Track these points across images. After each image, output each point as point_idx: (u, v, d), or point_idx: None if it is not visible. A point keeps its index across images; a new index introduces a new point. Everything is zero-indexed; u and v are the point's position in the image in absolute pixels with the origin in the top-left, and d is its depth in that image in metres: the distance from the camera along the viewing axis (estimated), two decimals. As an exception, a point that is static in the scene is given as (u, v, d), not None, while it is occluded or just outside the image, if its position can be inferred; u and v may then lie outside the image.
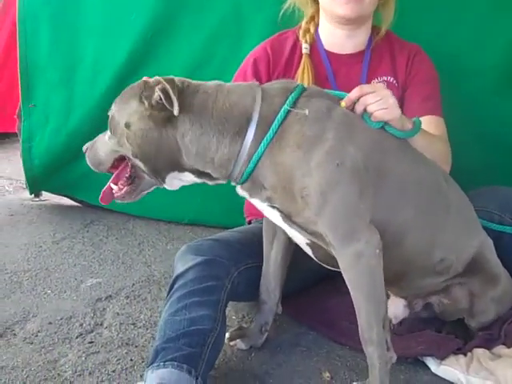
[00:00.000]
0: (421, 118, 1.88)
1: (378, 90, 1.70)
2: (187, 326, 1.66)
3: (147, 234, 3.02)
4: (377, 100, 1.66)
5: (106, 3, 2.79)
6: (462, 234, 1.82)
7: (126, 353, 1.91)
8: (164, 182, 1.68)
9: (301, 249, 1.89)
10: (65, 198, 3.43)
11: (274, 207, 1.63)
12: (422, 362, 1.86)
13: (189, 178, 1.69)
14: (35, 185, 3.30)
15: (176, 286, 1.81)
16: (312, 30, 2.23)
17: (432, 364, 1.83)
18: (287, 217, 1.63)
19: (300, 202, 1.56)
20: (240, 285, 1.91)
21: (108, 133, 1.68)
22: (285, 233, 1.85)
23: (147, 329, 2.06)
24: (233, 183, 1.67)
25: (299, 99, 1.61)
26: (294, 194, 1.56)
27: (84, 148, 1.76)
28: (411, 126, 1.76)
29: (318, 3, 2.19)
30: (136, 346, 1.95)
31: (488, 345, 1.87)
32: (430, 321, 1.98)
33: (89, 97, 2.91)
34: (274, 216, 1.68)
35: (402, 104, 2.17)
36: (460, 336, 1.91)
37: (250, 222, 2.42)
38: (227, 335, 1.91)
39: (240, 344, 1.94)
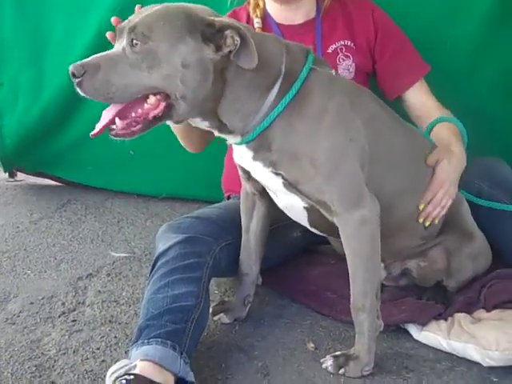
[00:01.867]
0: (414, 87, 2.13)
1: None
2: (170, 303, 1.66)
3: (126, 211, 3.00)
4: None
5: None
6: None
7: (110, 330, 1.91)
8: (181, 123, 1.60)
9: (282, 221, 1.91)
10: (40, 178, 3.39)
11: (277, 174, 1.61)
12: (404, 329, 1.88)
13: (204, 125, 1.60)
14: (8, 164, 3.26)
15: (158, 265, 1.80)
16: (261, 4, 2.21)
17: (414, 331, 1.85)
18: (292, 185, 1.62)
19: (309, 169, 1.56)
20: (222, 260, 1.91)
21: (134, 61, 1.43)
22: (264, 204, 1.87)
23: (130, 306, 2.05)
24: (237, 141, 1.62)
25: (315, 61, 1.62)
26: (301, 162, 1.56)
27: (74, 69, 1.40)
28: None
29: None
30: (119, 323, 1.94)
31: (468, 309, 1.89)
32: (410, 289, 2.01)
33: (59, 74, 2.82)
34: (273, 182, 1.66)
35: (366, 69, 2.21)
36: (440, 302, 1.93)
37: (228, 198, 2.42)
38: (210, 310, 1.91)
39: (223, 318, 1.94)
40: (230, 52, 1.45)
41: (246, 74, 1.50)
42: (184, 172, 2.93)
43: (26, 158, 3.18)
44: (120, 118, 1.48)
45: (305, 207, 1.71)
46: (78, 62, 1.42)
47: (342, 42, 2.19)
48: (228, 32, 1.43)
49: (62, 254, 2.48)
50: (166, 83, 1.44)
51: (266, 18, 2.21)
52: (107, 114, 1.49)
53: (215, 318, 1.95)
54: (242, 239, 1.95)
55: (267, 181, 1.68)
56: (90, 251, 2.52)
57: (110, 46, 2.66)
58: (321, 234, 1.86)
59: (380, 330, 1.69)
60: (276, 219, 1.96)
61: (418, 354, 1.79)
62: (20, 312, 2.01)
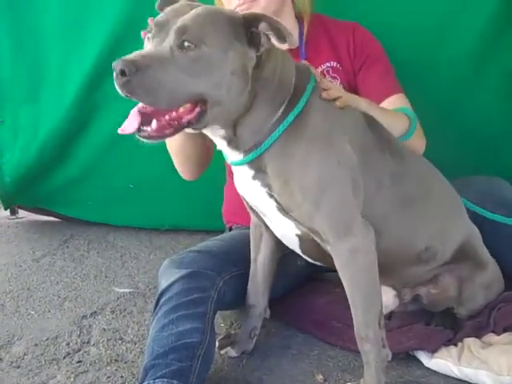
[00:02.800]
0: (385, 101, 2.01)
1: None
2: (175, 341, 1.64)
3: (129, 245, 2.99)
4: None
5: (67, 15, 2.73)
6: (446, 222, 1.84)
7: (116, 370, 1.88)
8: (202, 129, 1.52)
9: (285, 250, 1.89)
10: (42, 215, 3.38)
11: (271, 196, 1.58)
12: (414, 357, 1.85)
13: (218, 134, 1.55)
14: (9, 201, 3.26)
15: (161, 302, 1.77)
16: None
17: (424, 358, 1.83)
18: (284, 210, 1.59)
19: (298, 195, 1.53)
20: (226, 294, 1.89)
21: (185, 65, 1.35)
22: (271, 236, 1.85)
23: (135, 343, 2.03)
24: (239, 158, 1.58)
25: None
26: (291, 188, 1.53)
27: (124, 66, 1.27)
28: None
29: None
30: (125, 362, 1.92)
31: (478, 333, 1.87)
32: (418, 314, 1.98)
33: (56, 110, 2.87)
34: (267, 206, 1.63)
35: (354, 87, 2.18)
36: (449, 327, 1.91)
37: (230, 229, 2.40)
38: (216, 344, 1.89)
39: (230, 351, 1.92)
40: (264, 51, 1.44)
41: (270, 87, 1.49)
42: (185, 203, 2.93)
43: (26, 195, 3.17)
44: (157, 120, 1.40)
45: (297, 234, 1.68)
46: (127, 59, 1.29)
47: (328, 64, 2.17)
48: (261, 27, 1.40)
49: (65, 292, 2.46)
50: (213, 91, 1.39)
51: None
52: (139, 114, 1.39)
53: (222, 352, 1.92)
54: (250, 270, 1.94)
55: (262, 203, 1.65)
56: (93, 288, 2.50)
57: (104, 79, 2.72)
58: (314, 262, 1.83)
59: (388, 360, 1.65)
60: (283, 246, 1.94)
61: (429, 381, 1.76)
62: (24, 355, 1.98)
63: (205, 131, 1.56)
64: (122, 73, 1.27)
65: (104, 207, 3.12)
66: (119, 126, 1.39)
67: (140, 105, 1.39)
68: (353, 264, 1.58)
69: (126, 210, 3.09)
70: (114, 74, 1.29)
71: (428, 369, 1.81)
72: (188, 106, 1.41)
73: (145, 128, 1.39)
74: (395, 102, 2.09)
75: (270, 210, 1.65)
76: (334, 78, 2.17)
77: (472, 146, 2.25)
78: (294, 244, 1.75)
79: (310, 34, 2.19)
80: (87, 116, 2.85)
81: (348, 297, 1.62)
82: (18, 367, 1.92)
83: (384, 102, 2.08)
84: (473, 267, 1.87)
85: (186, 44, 1.34)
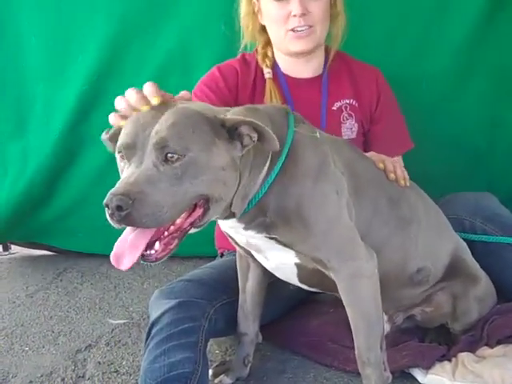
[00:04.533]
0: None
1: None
2: (167, 372, 1.63)
3: (122, 275, 2.97)
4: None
5: (51, 50, 2.76)
6: (434, 241, 1.85)
7: (111, 403, 1.88)
8: (202, 227, 1.46)
9: (272, 278, 1.88)
10: (34, 249, 3.37)
11: (271, 238, 1.57)
12: (409, 374, 1.85)
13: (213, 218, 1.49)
14: (1, 237, 3.26)
15: (153, 333, 1.77)
16: (269, 54, 2.23)
17: (419, 375, 1.83)
18: (287, 246, 1.59)
19: (303, 230, 1.53)
20: (218, 322, 1.89)
21: (173, 177, 1.30)
22: (259, 266, 1.85)
23: (130, 375, 2.02)
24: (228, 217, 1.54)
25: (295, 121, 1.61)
26: (296, 223, 1.53)
27: (119, 201, 1.23)
28: None
29: (266, 32, 2.20)
30: (120, 395, 1.92)
31: (471, 347, 1.87)
32: (411, 331, 1.99)
33: (43, 145, 2.88)
34: (265, 246, 1.62)
35: (367, 128, 2.21)
36: (443, 342, 1.91)
37: (222, 255, 2.41)
38: (210, 372, 1.89)
39: (225, 379, 1.91)
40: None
41: (249, 159, 1.46)
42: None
43: (17, 230, 3.17)
44: (159, 241, 1.34)
45: (296, 263, 1.68)
46: (117, 192, 1.25)
47: (347, 101, 2.23)
48: (242, 129, 1.38)
49: (59, 327, 2.44)
50: (212, 188, 1.36)
51: (274, 68, 2.23)
52: (139, 242, 1.31)
53: (216, 380, 1.91)
54: (239, 299, 1.93)
55: (260, 244, 1.64)
56: (87, 321, 2.49)
57: (89, 113, 2.74)
58: (310, 289, 1.84)
59: (388, 383, 1.65)
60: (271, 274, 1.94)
61: (425, 398, 1.76)
62: (20, 392, 1.98)
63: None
64: (119, 208, 1.23)
65: (94, 238, 3.09)
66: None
67: (129, 230, 1.33)
68: (358, 288, 1.59)
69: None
70: (109, 212, 1.25)
71: (423, 385, 1.81)
72: (185, 213, 1.37)
73: (148, 252, 1.33)
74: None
75: (267, 247, 1.64)
76: (350, 115, 2.21)
77: (456, 159, 2.27)
78: (290, 274, 1.74)
79: (333, 67, 2.25)
80: (74, 149, 2.87)
81: (350, 321, 1.62)
82: (14, 405, 1.91)
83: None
84: (465, 282, 1.88)
85: (169, 156, 1.30)
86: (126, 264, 1.31)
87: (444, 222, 1.93)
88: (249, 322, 1.93)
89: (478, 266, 1.95)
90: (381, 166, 1.82)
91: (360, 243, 1.60)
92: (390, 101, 2.27)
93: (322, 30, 2.11)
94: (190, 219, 1.38)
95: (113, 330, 2.38)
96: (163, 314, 1.80)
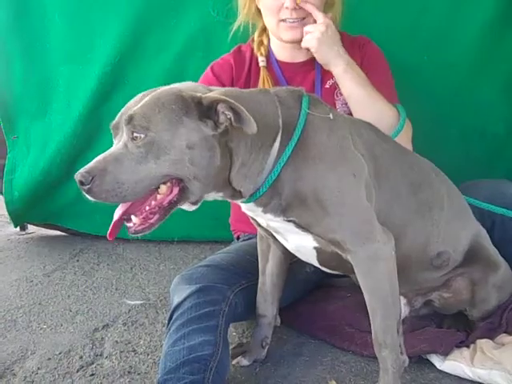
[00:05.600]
0: None
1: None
2: (187, 355, 1.64)
3: (138, 257, 3.00)
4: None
5: (73, 30, 2.78)
6: (455, 225, 1.85)
7: (129, 381, 1.88)
8: (199, 203, 1.52)
9: (293, 258, 1.89)
10: (51, 230, 3.40)
11: (289, 221, 1.59)
12: (427, 360, 1.86)
13: (218, 196, 1.57)
14: (18, 217, 3.27)
15: (174, 317, 1.79)
16: (265, 41, 2.26)
17: (436, 361, 1.83)
18: (304, 228, 1.60)
19: (320, 211, 1.54)
20: (238, 306, 1.90)
21: (138, 156, 1.38)
22: (279, 246, 1.85)
23: (148, 354, 2.03)
24: (244, 199, 1.57)
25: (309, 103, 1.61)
26: (312, 205, 1.54)
27: (81, 177, 1.37)
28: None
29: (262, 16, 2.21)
30: (139, 374, 1.92)
31: (490, 334, 1.87)
32: (429, 317, 1.99)
33: (63, 126, 2.90)
34: (284, 228, 1.64)
35: None
36: (461, 329, 1.91)
37: (238, 237, 2.41)
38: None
39: (242, 361, 1.92)
40: (227, 126, 1.43)
41: (247, 138, 1.48)
42: (193, 215, 2.91)
43: (34, 211, 3.19)
44: (135, 215, 1.45)
45: (315, 247, 1.69)
46: (83, 169, 1.38)
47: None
48: (219, 107, 1.41)
49: (76, 306, 2.47)
50: (177, 168, 1.41)
51: (268, 55, 2.25)
52: (116, 213, 1.46)
53: (234, 361, 1.92)
54: (259, 281, 1.94)
55: (278, 227, 1.66)
56: (104, 301, 2.51)
57: (109, 95, 2.74)
58: (331, 271, 1.84)
59: (405, 366, 1.65)
60: (291, 256, 1.94)
61: (443, 384, 1.76)
62: (38, 369, 1.98)
63: (206, 198, 1.56)
64: (81, 183, 1.37)
65: (110, 220, 3.10)
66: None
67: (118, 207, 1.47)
68: (374, 270, 1.59)
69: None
70: (78, 185, 1.38)
71: (441, 371, 1.81)
72: (165, 190, 1.44)
73: (129, 225, 1.45)
74: None
75: (286, 230, 1.65)
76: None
77: (475, 147, 2.25)
78: (310, 256, 1.75)
79: None
80: (93, 131, 2.88)
81: (367, 303, 1.62)
82: (32, 382, 1.92)
83: None
84: (485, 269, 1.87)
85: (134, 135, 1.39)
86: (110, 233, 1.46)
87: (466, 207, 1.92)
88: (268, 304, 1.93)
89: (497, 252, 1.94)
90: None
91: (377, 225, 1.60)
92: (372, 63, 2.22)
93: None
94: (170, 197, 1.45)
95: (129, 310, 2.40)
96: (184, 299, 1.81)
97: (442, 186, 1.86)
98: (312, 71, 2.23)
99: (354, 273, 1.65)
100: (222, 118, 1.42)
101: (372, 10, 2.42)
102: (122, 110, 1.47)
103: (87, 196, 1.39)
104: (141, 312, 2.38)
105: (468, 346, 1.84)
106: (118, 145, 1.43)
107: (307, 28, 2.08)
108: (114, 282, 2.71)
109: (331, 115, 1.62)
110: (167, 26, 2.68)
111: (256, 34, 2.29)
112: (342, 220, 1.56)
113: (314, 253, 1.72)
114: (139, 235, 1.46)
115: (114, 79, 2.77)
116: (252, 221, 1.78)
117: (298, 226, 1.60)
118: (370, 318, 1.63)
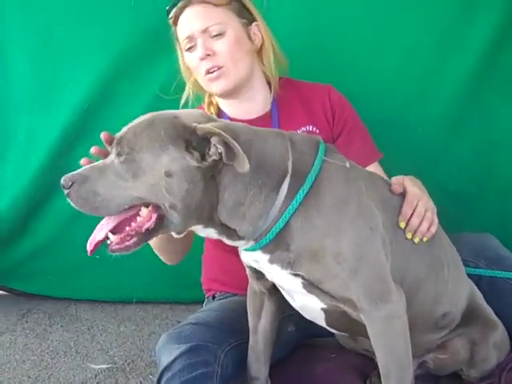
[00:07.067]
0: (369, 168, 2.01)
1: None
2: None
3: (94, 317, 2.83)
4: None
5: (38, 74, 2.66)
6: (457, 285, 1.82)
7: None
8: (182, 233, 1.49)
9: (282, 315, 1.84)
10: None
11: (297, 275, 1.52)
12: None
13: (210, 234, 1.53)
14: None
15: (164, 381, 1.68)
16: (214, 101, 2.20)
17: (437, 423, 1.79)
18: (313, 284, 1.53)
19: (333, 266, 1.48)
20: (228, 367, 1.80)
21: (120, 172, 1.41)
22: (274, 302, 1.79)
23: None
24: (250, 246, 1.52)
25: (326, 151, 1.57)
26: (324, 259, 1.47)
27: (63, 180, 1.40)
28: None
29: None
30: None
31: (490, 395, 1.84)
32: (423, 378, 1.93)
33: (21, 176, 2.74)
34: (291, 285, 1.57)
35: None
36: (457, 390, 1.88)
37: (213, 296, 2.31)
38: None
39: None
40: (217, 160, 1.40)
41: (245, 175, 1.43)
42: (153, 275, 2.79)
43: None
44: (114, 233, 1.44)
45: (322, 308, 1.62)
46: (68, 174, 1.42)
47: (304, 129, 2.14)
48: (212, 140, 1.38)
49: (35, 372, 2.28)
50: (151, 193, 1.40)
51: (220, 114, 2.17)
52: (100, 229, 1.46)
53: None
54: (250, 341, 1.85)
55: (285, 283, 1.59)
56: (65, 365, 2.33)
57: (74, 145, 2.62)
58: (339, 333, 1.78)
59: None
60: (283, 310, 1.88)
61: None
62: None
63: (198, 233, 1.54)
64: (63, 186, 1.41)
65: (65, 281, 2.94)
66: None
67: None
68: (389, 331, 1.54)
69: (90, 283, 2.92)
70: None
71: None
72: (145, 214, 1.44)
73: (107, 242, 1.45)
74: (376, 169, 2.11)
75: (293, 287, 1.58)
76: None
77: (451, 203, 2.28)
78: (318, 317, 1.68)
79: (282, 98, 2.17)
80: (52, 185, 2.69)
81: (380, 364, 1.56)
82: None
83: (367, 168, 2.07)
84: (484, 328, 1.84)
85: (120, 151, 1.43)
86: (89, 246, 1.45)
87: (462, 265, 1.92)
88: (260, 364, 1.85)
89: (492, 311, 1.92)
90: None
91: (391, 282, 1.55)
92: (347, 114, 2.18)
93: (236, 67, 2.03)
94: (148, 223, 1.44)
95: (96, 375, 2.25)
96: (174, 359, 1.70)
97: (446, 243, 1.85)
98: (269, 126, 2.12)
99: (363, 335, 1.59)
100: (212, 150, 1.39)
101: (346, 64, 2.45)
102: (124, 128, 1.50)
103: (68, 200, 1.42)
104: (109, 377, 2.22)
105: (467, 408, 1.81)
106: (108, 157, 1.47)
107: None
108: (72, 344, 2.54)
109: (347, 164, 1.59)
110: (138, 73, 2.61)
111: (206, 96, 2.23)
112: (357, 277, 1.50)
113: (322, 314, 1.65)
114: (115, 254, 1.45)
115: (81, 128, 2.65)
116: (251, 273, 1.72)
117: (307, 281, 1.53)
118: (382, 380, 1.57)
